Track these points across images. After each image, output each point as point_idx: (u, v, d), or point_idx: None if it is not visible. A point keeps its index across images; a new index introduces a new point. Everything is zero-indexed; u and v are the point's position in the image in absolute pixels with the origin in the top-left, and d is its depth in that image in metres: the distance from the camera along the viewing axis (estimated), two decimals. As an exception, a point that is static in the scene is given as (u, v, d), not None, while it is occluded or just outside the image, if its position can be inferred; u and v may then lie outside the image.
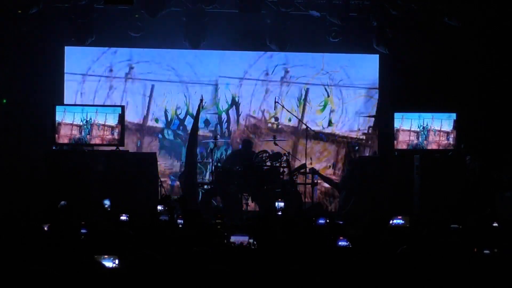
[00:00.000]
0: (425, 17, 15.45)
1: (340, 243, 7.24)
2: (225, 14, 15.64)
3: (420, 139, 14.16)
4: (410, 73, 15.99)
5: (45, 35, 15.28)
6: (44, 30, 15.23)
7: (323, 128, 16.39)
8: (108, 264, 6.01)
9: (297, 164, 15.29)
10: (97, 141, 13.86)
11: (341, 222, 10.15)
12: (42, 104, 14.94)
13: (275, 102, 15.77)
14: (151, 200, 13.14)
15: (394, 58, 16.06)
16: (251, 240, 7.23)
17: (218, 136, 15.81)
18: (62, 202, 11.67)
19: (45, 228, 7.83)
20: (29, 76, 15.32)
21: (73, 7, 15.14)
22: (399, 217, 8.82)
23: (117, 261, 6.03)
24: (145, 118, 16.08)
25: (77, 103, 15.53)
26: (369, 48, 16.01)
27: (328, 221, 8.81)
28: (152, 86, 16.12)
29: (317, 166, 15.75)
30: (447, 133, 14.15)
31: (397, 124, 14.19)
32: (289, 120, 16.26)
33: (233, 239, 7.29)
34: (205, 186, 15.09)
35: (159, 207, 10.71)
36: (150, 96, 16.10)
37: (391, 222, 8.76)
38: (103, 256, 6.05)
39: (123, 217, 9.76)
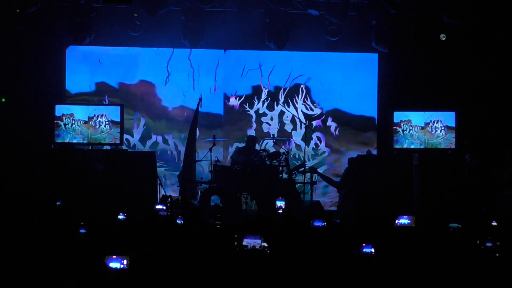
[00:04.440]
0: (424, 15, 15.46)
1: (364, 249, 7.15)
2: (224, 13, 15.64)
3: (419, 138, 14.15)
4: (409, 72, 16.00)
5: (44, 34, 15.28)
6: (42, 29, 15.22)
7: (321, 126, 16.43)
8: (116, 265, 5.97)
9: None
10: (96, 140, 13.85)
11: (338, 221, 10.12)
12: (42, 103, 14.93)
13: (274, 101, 15.74)
14: (150, 200, 13.13)
15: (393, 57, 16.06)
16: (264, 244, 7.09)
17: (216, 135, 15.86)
18: (58, 202, 11.66)
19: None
20: (28, 75, 15.31)
21: (72, 6, 15.14)
22: (405, 216, 8.76)
23: (125, 262, 5.98)
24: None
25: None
26: (368, 47, 16.02)
27: (325, 224, 8.75)
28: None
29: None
30: (446, 132, 14.13)
31: (396, 123, 14.18)
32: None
33: (245, 241, 7.15)
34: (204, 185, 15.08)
35: (159, 206, 10.69)
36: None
37: (397, 221, 8.71)
38: (111, 256, 6.00)
39: (121, 216, 9.74)
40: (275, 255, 6.89)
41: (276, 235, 7.50)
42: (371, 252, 7.10)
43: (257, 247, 7.00)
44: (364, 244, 7.15)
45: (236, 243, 7.17)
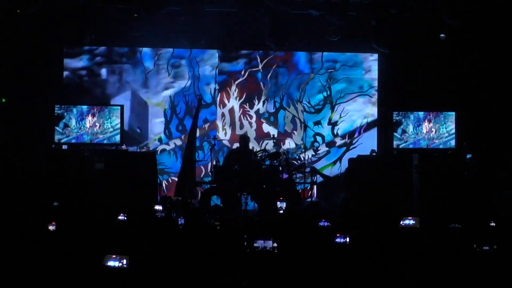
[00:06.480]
0: (424, 15, 15.46)
1: (337, 239, 7.25)
2: (224, 13, 15.64)
3: (418, 138, 14.16)
4: (409, 72, 16.01)
5: (44, 35, 15.29)
6: (43, 29, 15.23)
7: (322, 127, 16.45)
8: (115, 264, 5.97)
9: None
10: (96, 140, 13.86)
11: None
12: (42, 104, 14.94)
13: (274, 101, 15.75)
14: (150, 200, 13.13)
15: (393, 57, 16.07)
16: (275, 245, 7.12)
17: (217, 135, 15.87)
18: (55, 203, 11.68)
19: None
20: (28, 75, 15.32)
21: (72, 6, 15.14)
22: (409, 217, 8.82)
23: (124, 261, 5.99)
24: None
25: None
26: (368, 47, 16.02)
27: (330, 224, 8.79)
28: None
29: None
30: (446, 132, 14.14)
31: (395, 123, 14.18)
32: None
33: (257, 243, 7.16)
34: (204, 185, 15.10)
35: (157, 207, 10.71)
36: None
37: (401, 222, 8.77)
38: (110, 256, 6.01)
39: (121, 217, 9.76)
40: (281, 256, 6.92)
41: (277, 236, 7.52)
42: (345, 241, 7.19)
43: (268, 248, 7.03)
44: (338, 234, 7.24)
45: (246, 243, 7.19)
